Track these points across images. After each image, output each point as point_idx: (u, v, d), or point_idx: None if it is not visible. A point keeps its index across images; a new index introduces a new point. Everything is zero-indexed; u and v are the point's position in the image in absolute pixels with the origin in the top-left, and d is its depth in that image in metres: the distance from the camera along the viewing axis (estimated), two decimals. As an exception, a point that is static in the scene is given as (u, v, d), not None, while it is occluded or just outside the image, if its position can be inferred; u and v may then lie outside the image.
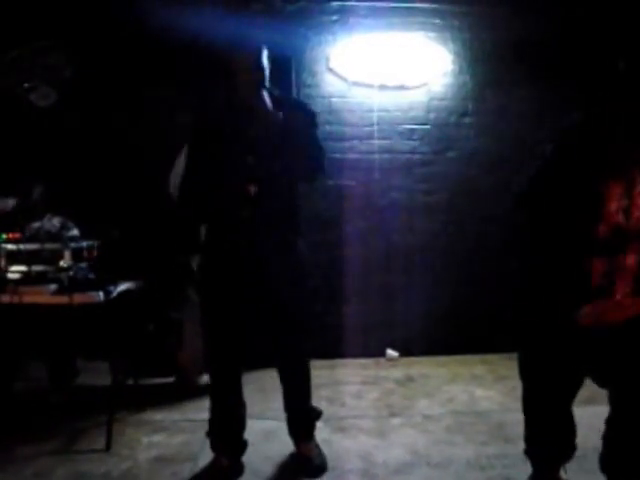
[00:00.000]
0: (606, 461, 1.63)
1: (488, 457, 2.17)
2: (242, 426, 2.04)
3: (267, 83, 1.93)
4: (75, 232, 2.93)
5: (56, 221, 2.94)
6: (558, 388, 1.63)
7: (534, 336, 1.65)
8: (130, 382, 2.86)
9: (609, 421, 1.62)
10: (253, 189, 1.87)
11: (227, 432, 2.02)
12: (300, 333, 2.06)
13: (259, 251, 1.91)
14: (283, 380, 2.11)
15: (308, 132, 1.97)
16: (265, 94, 1.89)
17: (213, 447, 2.02)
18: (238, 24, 3.44)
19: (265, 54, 1.96)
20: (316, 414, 2.15)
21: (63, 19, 3.40)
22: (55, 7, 3.39)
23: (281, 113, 1.89)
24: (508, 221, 3.57)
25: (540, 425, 1.70)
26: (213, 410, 2.03)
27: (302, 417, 2.13)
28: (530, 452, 1.76)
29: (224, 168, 1.89)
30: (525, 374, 1.69)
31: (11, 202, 2.85)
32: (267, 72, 1.93)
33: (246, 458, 2.06)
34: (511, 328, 1.77)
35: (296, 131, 1.90)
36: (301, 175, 1.98)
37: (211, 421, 2.03)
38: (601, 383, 1.60)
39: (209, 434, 2.03)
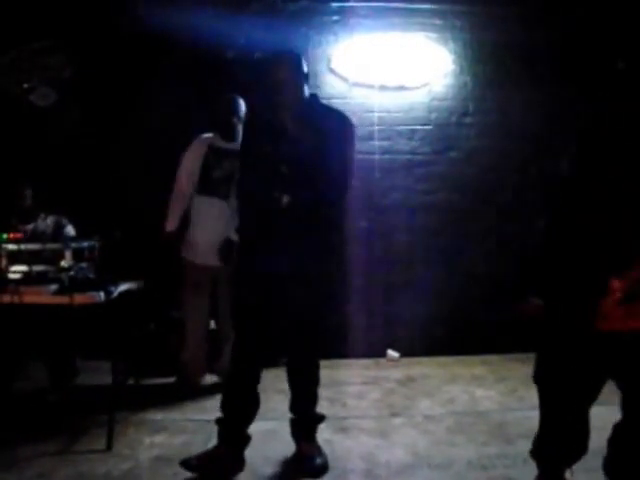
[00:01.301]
0: (610, 465, 1.62)
1: (489, 457, 2.16)
2: (249, 421, 2.05)
3: (304, 93, 1.98)
4: (70, 229, 2.92)
5: (50, 221, 2.94)
6: (579, 392, 1.61)
7: (558, 340, 1.62)
8: (131, 382, 2.85)
9: (618, 426, 1.60)
10: (285, 199, 1.91)
11: (233, 424, 2.02)
12: (315, 338, 2.09)
13: (284, 257, 1.94)
14: (292, 383, 2.13)
15: (339, 150, 1.98)
16: (296, 114, 1.93)
17: (219, 435, 2.02)
18: (239, 24, 3.47)
19: (303, 67, 1.99)
20: (319, 418, 2.17)
21: (62, 20, 3.40)
22: (54, 8, 3.39)
23: (311, 132, 1.93)
24: (510, 220, 3.61)
25: (558, 427, 1.67)
26: (226, 399, 2.04)
27: (306, 420, 2.15)
28: (537, 453, 1.73)
29: (260, 176, 1.96)
30: (544, 377, 1.67)
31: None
32: (304, 86, 1.98)
33: (246, 458, 2.05)
34: (533, 331, 1.74)
35: (327, 148, 1.93)
36: (320, 197, 1.97)
37: (222, 409, 2.03)
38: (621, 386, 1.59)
39: (218, 422, 2.03)
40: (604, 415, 1.63)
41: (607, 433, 1.64)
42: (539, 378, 1.68)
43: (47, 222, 2.94)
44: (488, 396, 2.87)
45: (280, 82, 1.95)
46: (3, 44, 3.37)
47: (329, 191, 2.00)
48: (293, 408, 2.14)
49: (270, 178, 1.94)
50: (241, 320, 2.07)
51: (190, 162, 2.84)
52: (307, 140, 1.93)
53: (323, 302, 2.09)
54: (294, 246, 1.95)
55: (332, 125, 2.01)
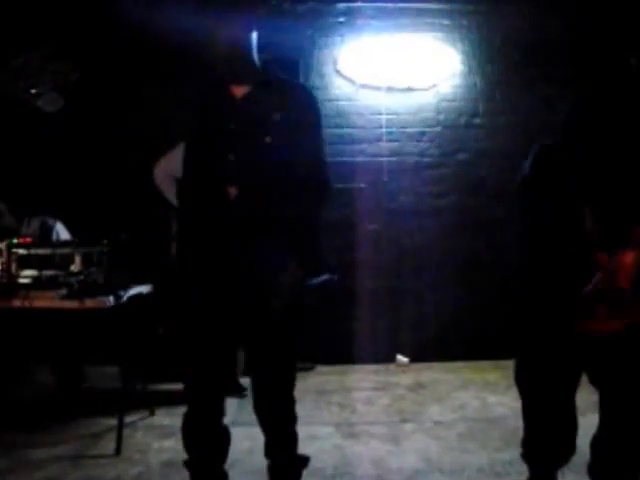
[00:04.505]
0: (593, 468, 1.61)
1: (502, 463, 2.13)
2: (222, 460, 1.71)
3: (255, 59, 1.59)
4: (59, 229, 2.84)
5: (35, 224, 2.79)
6: (557, 390, 1.61)
7: (532, 340, 1.62)
8: (139, 387, 2.84)
9: (598, 428, 1.60)
10: (233, 191, 1.54)
11: (203, 466, 1.72)
12: (278, 367, 1.67)
13: (235, 266, 1.56)
14: (263, 423, 1.74)
15: (308, 134, 1.60)
16: (246, 80, 1.57)
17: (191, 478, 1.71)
18: (245, 26, 3.46)
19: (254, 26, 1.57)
20: (303, 461, 1.79)
21: (67, 25, 3.40)
22: (59, 13, 3.40)
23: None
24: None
25: (539, 427, 1.68)
26: (188, 440, 1.72)
27: (287, 465, 1.76)
28: (527, 455, 1.73)
29: (203, 166, 1.60)
30: (522, 378, 1.67)
31: None
32: (252, 48, 1.59)
33: (248, 464, 2.04)
34: (508, 333, 1.75)
35: (293, 129, 1.56)
36: (297, 193, 1.58)
37: (186, 450, 1.72)
38: (596, 385, 1.59)
39: (186, 464, 1.72)
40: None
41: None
42: (519, 379, 1.68)
43: (32, 226, 2.80)
44: (500, 402, 2.84)
45: (224, 38, 1.51)
46: (8, 50, 3.38)
47: (304, 190, 1.59)
48: (269, 451, 1.75)
49: (214, 169, 1.55)
50: (189, 350, 1.70)
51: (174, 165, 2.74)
52: (265, 118, 1.54)
53: (278, 326, 1.63)
54: (245, 252, 1.54)
55: (298, 102, 1.59)
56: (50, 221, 2.85)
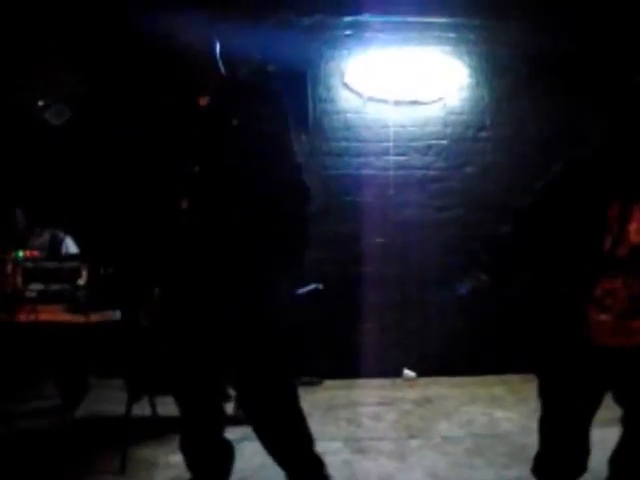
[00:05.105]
0: None
1: (509, 480, 2.11)
2: (227, 475, 1.70)
3: (219, 67, 1.57)
4: (69, 243, 2.85)
5: (45, 236, 2.81)
6: (577, 408, 1.60)
7: (553, 357, 1.63)
8: (145, 401, 2.82)
9: (618, 443, 1.60)
10: (184, 203, 1.46)
11: None
12: (275, 390, 1.58)
13: (189, 289, 1.50)
14: (277, 458, 1.65)
15: (273, 138, 1.53)
16: (212, 91, 1.54)
17: None
18: (253, 39, 3.48)
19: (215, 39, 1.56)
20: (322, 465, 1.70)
21: (76, 36, 3.42)
22: (67, 24, 3.42)
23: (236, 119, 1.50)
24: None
25: (555, 445, 1.67)
26: (189, 459, 1.69)
27: (312, 467, 1.65)
28: (538, 471, 1.73)
29: (163, 179, 1.54)
30: (544, 394, 1.67)
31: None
32: (216, 57, 1.57)
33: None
34: (528, 349, 1.74)
35: (254, 134, 1.50)
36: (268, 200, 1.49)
37: (189, 469, 1.72)
38: (618, 401, 1.58)
39: None
40: (606, 436, 1.61)
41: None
42: (543, 394, 1.67)
43: (43, 237, 2.83)
44: (508, 417, 2.82)
45: (187, 48, 1.51)
46: (16, 61, 3.40)
47: (274, 195, 1.50)
48: (285, 459, 1.66)
49: (172, 180, 1.49)
50: (172, 369, 1.66)
51: None
52: (225, 125, 1.50)
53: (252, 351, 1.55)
54: (200, 271, 1.46)
55: (262, 107, 1.55)
56: (61, 234, 2.86)
